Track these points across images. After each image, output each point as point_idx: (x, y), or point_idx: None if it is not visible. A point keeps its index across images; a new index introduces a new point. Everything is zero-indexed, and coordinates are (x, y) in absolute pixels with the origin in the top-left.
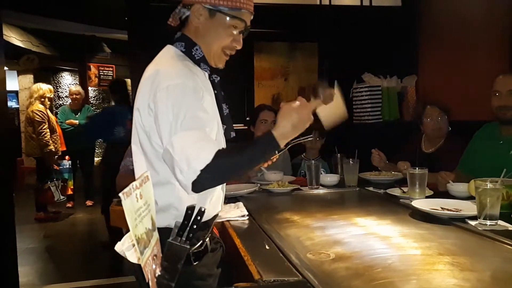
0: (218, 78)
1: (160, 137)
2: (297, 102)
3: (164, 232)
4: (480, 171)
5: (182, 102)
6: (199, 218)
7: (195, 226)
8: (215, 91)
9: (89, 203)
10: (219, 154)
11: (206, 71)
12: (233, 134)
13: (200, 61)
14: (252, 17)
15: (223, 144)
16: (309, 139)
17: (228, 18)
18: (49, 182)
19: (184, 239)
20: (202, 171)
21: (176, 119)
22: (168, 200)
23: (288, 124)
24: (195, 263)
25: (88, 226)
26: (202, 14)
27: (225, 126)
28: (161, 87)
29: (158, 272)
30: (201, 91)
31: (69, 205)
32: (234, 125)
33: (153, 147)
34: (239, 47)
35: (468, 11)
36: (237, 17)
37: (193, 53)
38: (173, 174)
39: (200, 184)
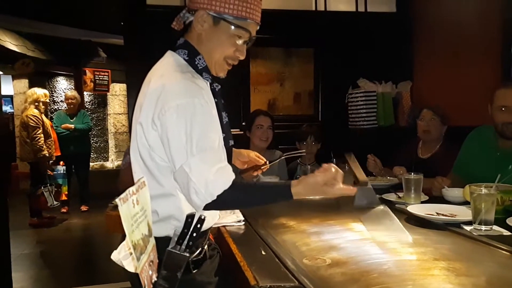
0: (219, 87)
1: (169, 155)
2: (332, 175)
3: (163, 241)
4: (476, 179)
5: (193, 122)
6: (199, 226)
7: (194, 234)
8: (216, 100)
9: (84, 208)
10: (235, 185)
11: (208, 80)
12: (231, 142)
13: (203, 71)
14: (258, 28)
15: (223, 154)
16: (303, 154)
17: (232, 27)
18: (42, 188)
19: (183, 247)
20: (218, 196)
21: (190, 140)
22: (169, 211)
23: (310, 192)
24: (194, 271)
25: (82, 231)
26: (205, 21)
27: (224, 135)
28: (170, 105)
29: (154, 278)
30: (208, 107)
31: (63, 210)
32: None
33: (155, 161)
34: (242, 58)
35: (462, 17)
36: (242, 27)
37: (196, 63)
38: (186, 193)
39: (212, 207)
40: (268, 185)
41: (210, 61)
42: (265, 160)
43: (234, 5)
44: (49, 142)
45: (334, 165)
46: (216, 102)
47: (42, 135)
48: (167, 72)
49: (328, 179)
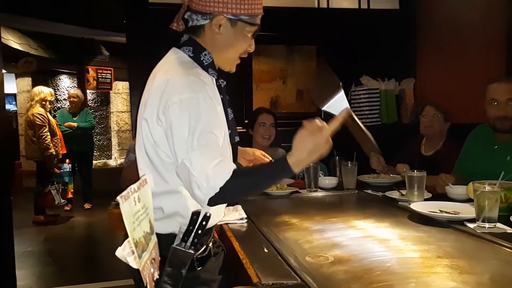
0: (225, 83)
1: (173, 150)
2: (316, 124)
3: (168, 238)
4: (477, 175)
5: (196, 117)
6: (204, 223)
7: (200, 231)
8: (222, 96)
9: (87, 206)
10: (236, 173)
11: (213, 76)
12: (237, 138)
13: (208, 67)
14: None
15: (228, 150)
16: None
17: (248, 26)
18: (49, 186)
19: (188, 244)
20: (221, 188)
21: (192, 135)
22: (175, 208)
23: (304, 152)
24: (199, 269)
25: (86, 229)
26: (222, 25)
27: (229, 131)
28: (173, 100)
29: (156, 276)
30: (213, 103)
31: (67, 208)
32: None
33: (160, 157)
34: (252, 50)
35: (465, 14)
36: (255, 23)
37: (202, 59)
38: (189, 188)
39: (216, 200)
40: (267, 166)
41: (224, 59)
42: (270, 158)
43: (248, 5)
44: (55, 140)
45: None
46: (222, 98)
47: (48, 133)
48: (171, 68)
49: (312, 129)
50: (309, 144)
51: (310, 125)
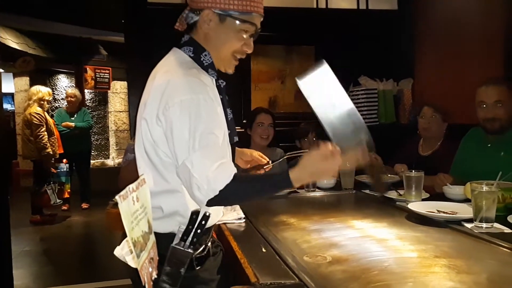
0: (224, 83)
1: (173, 151)
2: (330, 149)
3: (167, 238)
4: (473, 175)
5: (197, 118)
6: (203, 222)
7: (199, 231)
8: (221, 96)
9: (84, 206)
10: (237, 178)
11: (213, 76)
12: (236, 138)
13: (208, 67)
14: (262, 19)
15: (228, 150)
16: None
17: (238, 23)
18: (46, 185)
19: (188, 244)
20: (220, 191)
21: (193, 136)
22: (174, 207)
23: (308, 173)
24: (197, 268)
25: (83, 229)
26: (212, 20)
27: (229, 131)
28: (174, 101)
29: (154, 275)
30: (213, 104)
31: (64, 208)
32: None
33: (160, 157)
34: (250, 51)
35: (463, 14)
36: (247, 21)
37: (202, 59)
38: (189, 189)
39: (214, 202)
40: (268, 176)
41: (218, 58)
42: (268, 159)
43: (239, 1)
44: (53, 140)
45: (330, 143)
46: (221, 99)
47: (45, 133)
48: (172, 69)
49: (325, 154)
50: (317, 168)
51: (324, 148)
